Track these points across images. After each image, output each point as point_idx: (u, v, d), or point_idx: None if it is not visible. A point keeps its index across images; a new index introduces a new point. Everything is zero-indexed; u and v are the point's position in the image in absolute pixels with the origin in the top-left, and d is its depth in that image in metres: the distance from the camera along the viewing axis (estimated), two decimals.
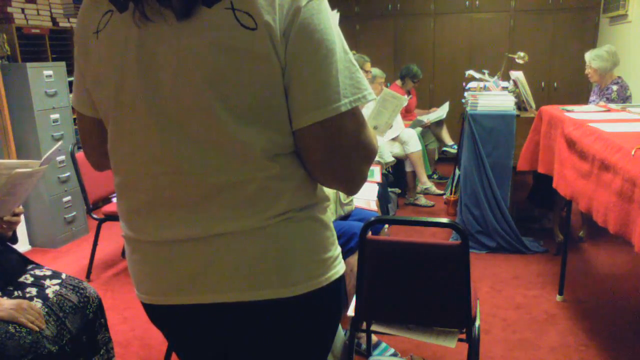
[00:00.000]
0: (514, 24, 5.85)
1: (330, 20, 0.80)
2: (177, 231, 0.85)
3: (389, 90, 3.16)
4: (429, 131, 5.22)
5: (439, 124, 5.31)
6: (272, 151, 0.82)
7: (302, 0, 0.77)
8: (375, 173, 3.14)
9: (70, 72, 3.98)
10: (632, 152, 1.75)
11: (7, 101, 3.54)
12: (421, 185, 4.61)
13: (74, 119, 3.93)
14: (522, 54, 4.12)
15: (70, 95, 4.15)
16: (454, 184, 4.17)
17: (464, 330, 1.72)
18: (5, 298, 1.59)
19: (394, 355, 2.24)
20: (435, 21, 6.06)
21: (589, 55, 3.74)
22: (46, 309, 1.63)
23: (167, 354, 2.07)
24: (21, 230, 3.68)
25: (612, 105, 3.15)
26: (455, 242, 1.58)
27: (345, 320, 1.93)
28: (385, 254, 1.68)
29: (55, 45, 4.23)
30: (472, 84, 4.19)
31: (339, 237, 0.97)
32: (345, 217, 2.42)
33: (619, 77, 3.72)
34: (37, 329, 1.55)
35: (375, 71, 4.49)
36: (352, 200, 2.43)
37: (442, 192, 4.69)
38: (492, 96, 3.52)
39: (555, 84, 5.85)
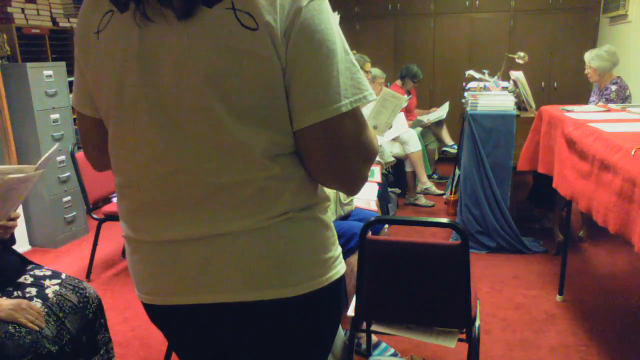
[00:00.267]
0: (514, 24, 5.85)
1: (331, 20, 0.80)
2: (177, 231, 0.85)
3: (389, 90, 3.16)
4: (429, 131, 5.22)
5: (439, 124, 5.31)
6: (272, 151, 0.82)
7: (303, 0, 0.77)
8: (375, 173, 3.14)
9: (70, 72, 3.99)
10: (632, 152, 1.75)
11: (7, 101, 3.54)
12: (421, 185, 4.61)
13: (74, 119, 3.93)
14: (522, 54, 4.12)
15: (71, 95, 4.15)
16: (454, 184, 4.18)
17: (464, 330, 1.72)
18: (4, 298, 1.59)
19: (394, 355, 2.24)
20: (435, 21, 6.06)
21: (588, 56, 3.74)
22: (46, 309, 1.63)
23: (167, 354, 2.07)
24: (21, 230, 3.68)
25: (612, 105, 3.15)
26: (455, 242, 1.58)
27: (345, 320, 1.93)
28: (385, 254, 1.68)
29: (55, 45, 4.23)
30: (472, 84, 4.19)
31: (339, 237, 0.97)
32: (345, 217, 2.42)
33: (618, 77, 3.73)
34: (37, 328, 1.55)
35: (375, 71, 4.49)
36: (352, 200, 2.43)
37: (442, 192, 4.69)
38: (492, 96, 3.52)
39: (555, 84, 5.85)
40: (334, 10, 0.83)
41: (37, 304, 1.63)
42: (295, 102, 0.80)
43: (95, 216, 3.13)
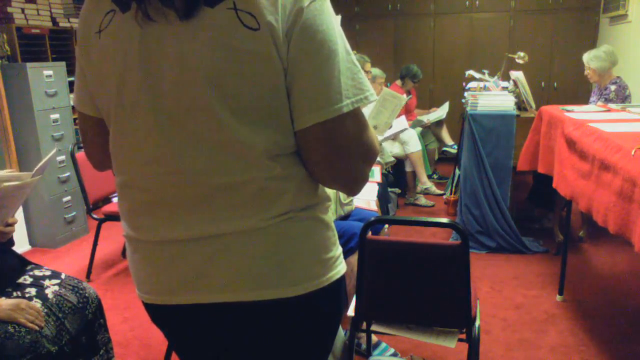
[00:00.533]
0: (514, 24, 5.85)
1: (332, 21, 0.80)
2: (178, 231, 0.85)
3: (389, 89, 3.16)
4: (429, 131, 5.22)
5: (439, 124, 5.31)
6: (273, 151, 0.82)
7: (304, 1, 0.77)
8: (375, 173, 3.14)
9: (70, 72, 3.99)
10: (632, 152, 1.75)
11: (7, 101, 3.54)
12: (421, 185, 4.61)
13: (74, 119, 3.93)
14: (522, 54, 4.12)
15: (71, 95, 4.16)
16: (454, 184, 4.18)
17: (464, 330, 1.72)
18: (3, 299, 1.59)
19: (394, 355, 2.24)
20: (435, 21, 6.06)
21: (586, 57, 3.75)
22: (45, 310, 1.63)
23: (167, 354, 2.07)
24: (21, 230, 3.68)
25: (612, 105, 3.15)
26: (455, 242, 1.58)
27: (345, 320, 1.93)
28: (385, 254, 1.68)
29: (55, 45, 4.23)
30: (472, 84, 4.19)
31: (339, 237, 0.97)
32: (345, 217, 2.42)
33: (618, 77, 3.73)
34: (36, 328, 1.55)
35: (375, 71, 4.49)
36: (352, 200, 2.43)
37: (442, 192, 4.69)
38: (492, 96, 3.52)
39: (555, 84, 5.85)
40: (334, 11, 0.83)
41: (37, 304, 1.63)
42: (296, 102, 0.80)
43: (95, 216, 3.13)
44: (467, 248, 1.56)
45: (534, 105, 3.63)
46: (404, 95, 4.08)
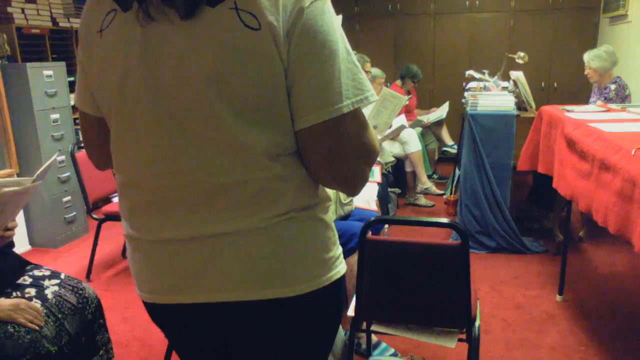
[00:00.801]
0: (514, 24, 5.85)
1: (333, 21, 0.80)
2: (178, 230, 0.85)
3: (389, 89, 3.16)
4: (429, 131, 5.22)
5: (439, 124, 5.31)
6: (273, 151, 0.82)
7: (305, 1, 0.77)
8: (375, 173, 3.14)
9: (70, 72, 3.99)
10: (632, 152, 1.75)
11: (7, 101, 3.54)
12: (421, 185, 4.61)
13: (74, 119, 3.93)
14: (522, 54, 4.12)
15: (71, 95, 4.16)
16: (454, 184, 4.18)
17: (464, 330, 1.72)
18: (3, 299, 1.59)
19: (394, 355, 2.24)
20: (435, 21, 6.06)
21: (587, 56, 3.74)
22: (45, 310, 1.63)
23: (167, 354, 2.07)
24: (21, 230, 3.68)
25: (612, 105, 3.15)
26: (455, 242, 1.58)
27: (345, 320, 1.93)
28: (385, 254, 1.68)
29: (55, 45, 4.23)
30: (472, 84, 4.19)
31: (339, 237, 0.97)
32: (345, 217, 2.42)
33: (618, 77, 3.73)
34: (36, 327, 1.55)
35: (375, 71, 4.49)
36: (352, 200, 2.43)
37: (442, 192, 4.69)
38: (492, 96, 3.52)
39: (555, 84, 5.85)
40: (334, 11, 0.83)
41: (37, 304, 1.63)
42: (296, 102, 0.80)
43: (95, 216, 3.13)
44: (467, 248, 1.57)
45: (534, 105, 3.63)
46: (404, 96, 4.08)
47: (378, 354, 2.22)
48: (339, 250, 0.94)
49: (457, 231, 1.64)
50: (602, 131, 2.15)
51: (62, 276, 1.80)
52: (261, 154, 0.81)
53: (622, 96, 3.63)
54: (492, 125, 3.35)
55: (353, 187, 0.90)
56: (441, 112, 5.22)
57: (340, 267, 0.92)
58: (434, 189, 4.68)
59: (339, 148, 0.82)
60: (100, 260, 3.45)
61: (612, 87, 3.67)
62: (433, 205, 4.45)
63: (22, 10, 3.92)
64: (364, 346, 2.23)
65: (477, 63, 5.46)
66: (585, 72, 3.82)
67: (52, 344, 1.57)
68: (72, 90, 3.91)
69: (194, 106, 0.79)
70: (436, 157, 5.38)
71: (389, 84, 5.28)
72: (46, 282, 1.73)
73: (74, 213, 3.87)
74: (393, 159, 4.07)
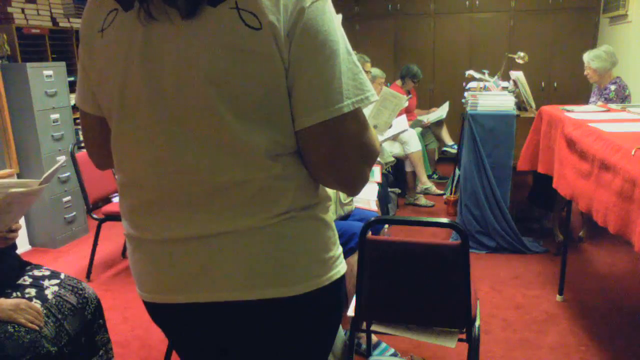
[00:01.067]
0: (514, 24, 5.85)
1: (334, 21, 0.80)
2: (179, 230, 0.85)
3: (389, 89, 3.16)
4: (429, 131, 5.22)
5: (439, 124, 5.31)
6: (274, 151, 0.82)
7: (306, 1, 0.77)
8: (375, 173, 3.14)
9: (70, 72, 3.98)
10: (632, 152, 1.75)
11: (7, 101, 3.54)
12: (421, 185, 4.61)
13: (74, 119, 3.93)
14: (522, 54, 4.12)
15: (71, 95, 4.15)
16: (454, 184, 4.18)
17: (464, 330, 1.72)
18: (3, 299, 1.59)
19: (394, 355, 2.24)
20: (435, 21, 6.06)
21: (587, 56, 3.74)
22: (45, 310, 1.63)
23: (167, 354, 2.07)
24: (21, 230, 3.67)
25: (612, 105, 3.15)
26: (455, 242, 1.58)
27: (345, 320, 1.93)
28: (385, 254, 1.68)
29: (55, 45, 4.23)
30: (472, 84, 4.18)
31: (339, 237, 0.97)
32: (345, 217, 2.42)
33: (618, 77, 3.73)
34: (36, 328, 1.55)
35: (375, 71, 4.49)
36: (352, 200, 2.43)
37: (442, 192, 4.69)
38: (492, 96, 3.52)
39: (555, 84, 5.85)
40: (335, 11, 0.83)
41: (37, 304, 1.63)
42: (297, 102, 0.80)
43: (95, 216, 3.14)
44: (467, 248, 1.57)
45: (534, 105, 3.63)
46: (405, 96, 4.08)
47: (378, 354, 2.22)
48: (339, 250, 0.94)
49: (457, 231, 1.64)
50: (602, 131, 2.15)
51: (62, 276, 1.80)
52: (262, 153, 0.81)
53: (622, 97, 3.63)
54: (492, 125, 3.35)
55: (353, 187, 0.90)
56: (441, 112, 5.22)
57: (341, 267, 0.92)
58: (434, 189, 4.68)
59: (340, 148, 0.82)
60: (100, 260, 3.45)
61: (612, 87, 3.67)
62: (433, 205, 4.45)
63: (22, 10, 3.92)
64: (364, 346, 2.23)
65: (477, 63, 5.46)
66: (585, 73, 3.82)
67: (52, 344, 1.57)
68: (72, 90, 3.91)
69: (195, 105, 0.79)
70: (436, 157, 5.38)
71: (389, 84, 5.28)
72: (46, 282, 1.73)
73: (74, 213, 3.87)
74: (393, 159, 4.07)
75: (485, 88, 3.99)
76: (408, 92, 5.22)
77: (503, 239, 3.40)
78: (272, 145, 0.81)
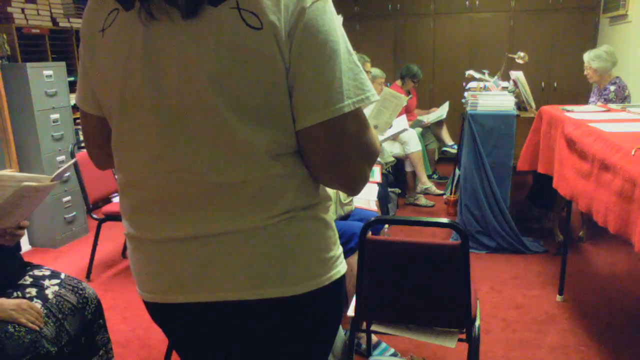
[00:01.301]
0: (514, 24, 5.85)
1: (334, 21, 0.80)
2: (179, 229, 0.85)
3: (390, 89, 3.16)
4: (429, 131, 5.22)
5: (439, 124, 5.31)
6: (275, 150, 0.82)
7: (307, 1, 0.77)
8: (375, 173, 3.14)
9: (70, 72, 3.98)
10: (632, 152, 1.75)
11: (7, 101, 3.54)
12: (421, 185, 4.61)
13: (74, 119, 3.93)
14: (522, 54, 4.12)
15: (71, 95, 4.14)
16: (454, 184, 4.18)
17: (464, 330, 1.72)
18: (4, 299, 1.59)
19: (394, 355, 2.24)
20: (435, 21, 6.06)
21: (587, 56, 3.74)
22: (45, 310, 1.63)
23: (167, 354, 2.07)
24: None
25: (612, 105, 3.15)
26: (455, 242, 1.58)
27: (345, 320, 1.93)
28: (385, 254, 1.68)
29: (55, 45, 4.23)
30: (472, 84, 4.18)
31: (339, 237, 0.97)
32: (345, 217, 2.42)
33: (617, 77, 3.72)
34: (37, 328, 1.55)
35: (375, 71, 4.49)
36: (351, 200, 2.43)
37: (442, 192, 4.69)
38: (492, 96, 3.52)
39: (555, 84, 5.85)
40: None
41: (37, 304, 1.63)
42: (298, 102, 0.80)
43: (95, 216, 3.14)
44: (467, 248, 1.57)
45: (534, 105, 3.63)
46: (405, 96, 4.08)
47: (378, 354, 2.23)
48: (339, 249, 0.94)
49: (457, 231, 1.64)
50: (602, 131, 2.15)
51: (62, 276, 1.80)
52: (262, 153, 0.81)
53: (621, 97, 3.63)
54: (492, 125, 3.35)
55: (354, 186, 0.90)
56: (441, 112, 5.22)
57: (341, 267, 0.92)
58: (434, 189, 4.68)
59: (340, 148, 0.82)
60: (100, 260, 3.45)
61: (612, 88, 3.67)
62: (433, 205, 4.45)
63: (22, 10, 3.92)
64: (364, 346, 2.24)
65: (477, 63, 5.46)
66: (585, 72, 3.82)
67: (52, 344, 1.57)
68: (72, 90, 3.91)
69: (196, 105, 0.79)
70: (436, 157, 5.38)
71: (389, 84, 5.28)
72: (46, 282, 1.74)
73: (74, 213, 3.87)
74: (393, 159, 4.07)
75: (485, 88, 3.99)
76: (408, 92, 5.22)
77: (503, 239, 3.40)
78: (272, 145, 0.81)
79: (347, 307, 1.87)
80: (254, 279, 0.84)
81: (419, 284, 1.67)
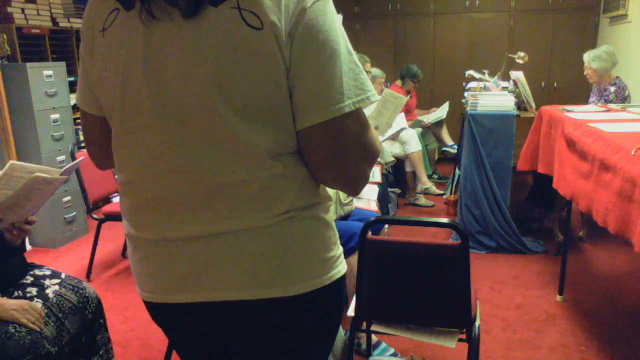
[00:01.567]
0: (514, 24, 5.85)
1: (335, 21, 0.80)
2: (179, 229, 0.85)
3: (390, 90, 3.16)
4: (429, 131, 5.22)
5: (439, 124, 5.31)
6: (275, 150, 0.82)
7: (307, 1, 0.77)
8: (375, 173, 3.14)
9: (70, 72, 3.98)
10: (632, 152, 1.75)
11: (7, 101, 3.54)
12: (421, 185, 4.61)
13: (74, 119, 3.93)
14: (522, 54, 4.12)
15: (71, 95, 4.14)
16: (454, 184, 4.18)
17: (464, 330, 1.72)
18: (5, 298, 1.59)
19: (394, 355, 2.24)
20: (435, 21, 6.06)
21: (587, 56, 3.74)
22: (46, 310, 1.63)
23: (167, 354, 2.07)
24: None
25: (612, 105, 3.15)
26: (455, 242, 1.58)
27: (345, 320, 1.93)
28: (385, 254, 1.68)
29: (55, 45, 4.23)
30: (472, 84, 4.18)
31: (339, 237, 0.97)
32: (345, 217, 2.42)
33: (617, 78, 3.72)
34: (37, 329, 1.55)
35: (375, 71, 4.49)
36: (351, 200, 2.43)
37: (442, 192, 4.69)
38: (492, 96, 3.52)
39: (555, 84, 5.85)
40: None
41: (38, 304, 1.63)
42: (298, 102, 0.80)
43: (95, 216, 3.14)
44: (467, 248, 1.57)
45: (534, 105, 3.63)
46: (405, 96, 4.08)
47: (378, 354, 2.23)
48: (339, 249, 0.94)
49: (457, 231, 1.64)
50: (602, 131, 2.15)
51: (63, 276, 1.80)
52: (263, 153, 0.81)
53: (621, 97, 3.63)
54: (492, 125, 3.35)
55: (354, 187, 0.90)
56: (441, 112, 5.22)
57: (341, 267, 0.92)
58: (434, 189, 4.68)
59: (340, 148, 0.82)
60: (100, 260, 3.45)
61: (612, 89, 3.66)
62: (433, 205, 4.45)
63: (22, 10, 3.92)
64: (364, 346, 2.24)
65: (477, 63, 5.46)
66: (585, 72, 3.82)
67: (52, 344, 1.57)
68: (72, 90, 3.91)
69: (196, 105, 0.79)
70: (436, 157, 5.38)
71: (389, 84, 5.28)
72: (47, 282, 1.74)
73: (74, 213, 3.87)
74: (393, 159, 4.07)
75: (485, 88, 3.99)
76: (408, 92, 5.23)
77: (503, 239, 3.40)
78: (273, 145, 0.81)
79: (347, 307, 1.87)
80: (254, 279, 0.84)
81: (419, 284, 1.67)
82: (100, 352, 1.79)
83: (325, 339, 0.97)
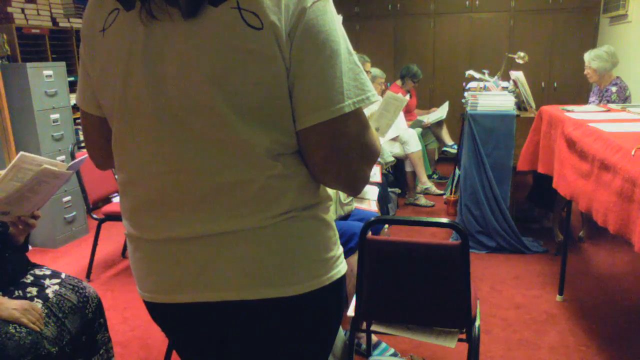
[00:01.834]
0: (514, 24, 5.85)
1: (335, 21, 0.80)
2: (179, 229, 0.85)
3: (391, 92, 3.16)
4: (429, 131, 5.22)
5: (439, 124, 5.32)
6: (275, 150, 0.82)
7: (307, 1, 0.77)
8: (375, 173, 3.14)
9: (70, 72, 3.98)
10: (632, 152, 1.75)
11: (7, 101, 3.54)
12: (421, 185, 4.61)
13: (74, 119, 3.93)
14: (522, 54, 4.12)
15: (71, 95, 4.14)
16: (454, 184, 4.18)
17: (464, 330, 1.72)
18: (6, 298, 1.59)
19: (394, 355, 2.24)
20: (435, 21, 6.06)
21: (588, 56, 3.74)
22: (46, 310, 1.63)
23: (167, 354, 2.07)
24: None
25: (612, 105, 3.15)
26: (455, 242, 1.58)
27: (345, 320, 1.93)
28: (385, 254, 1.68)
29: (55, 45, 4.23)
30: (472, 84, 4.19)
31: (339, 237, 0.97)
32: (345, 217, 2.42)
33: (618, 78, 3.72)
34: (38, 329, 1.55)
35: (375, 71, 4.49)
36: (352, 200, 2.43)
37: (442, 192, 4.69)
38: (492, 96, 3.52)
39: (555, 84, 5.85)
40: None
41: (38, 304, 1.63)
42: (298, 102, 0.80)
43: (95, 216, 3.14)
44: (467, 248, 1.57)
45: (534, 105, 3.63)
46: (405, 96, 4.08)
47: (378, 354, 2.23)
48: (339, 250, 0.94)
49: (457, 231, 1.64)
50: (602, 131, 2.15)
51: (63, 276, 1.80)
52: (263, 153, 0.81)
53: (623, 98, 3.63)
54: (492, 125, 3.35)
55: (354, 187, 0.90)
56: (441, 112, 5.22)
57: (341, 267, 0.92)
58: (434, 189, 4.68)
59: (340, 148, 0.82)
60: (100, 260, 3.45)
61: (613, 89, 3.66)
62: (433, 205, 4.45)
63: (22, 10, 3.92)
64: (364, 346, 2.24)
65: (477, 63, 5.46)
66: (585, 72, 3.82)
67: (52, 344, 1.57)
68: (72, 90, 3.91)
69: (196, 105, 0.79)
70: (436, 157, 5.38)
71: (389, 84, 5.28)
72: (47, 282, 1.74)
73: (74, 213, 3.87)
74: (393, 159, 4.07)
75: (485, 88, 3.99)
76: (408, 92, 5.22)
77: (503, 239, 3.40)
78: (273, 145, 0.81)
79: (347, 307, 1.87)
80: (254, 279, 0.84)
81: (419, 284, 1.67)
82: (101, 352, 1.79)
83: (325, 339, 0.97)
